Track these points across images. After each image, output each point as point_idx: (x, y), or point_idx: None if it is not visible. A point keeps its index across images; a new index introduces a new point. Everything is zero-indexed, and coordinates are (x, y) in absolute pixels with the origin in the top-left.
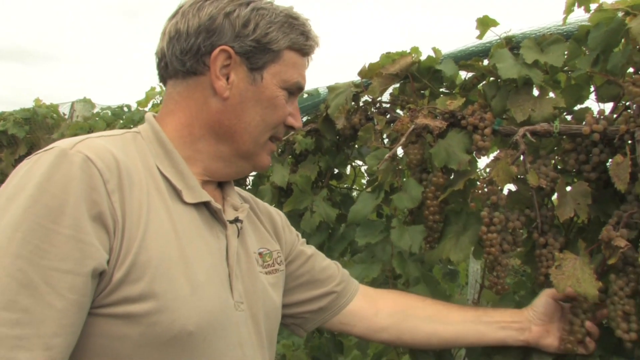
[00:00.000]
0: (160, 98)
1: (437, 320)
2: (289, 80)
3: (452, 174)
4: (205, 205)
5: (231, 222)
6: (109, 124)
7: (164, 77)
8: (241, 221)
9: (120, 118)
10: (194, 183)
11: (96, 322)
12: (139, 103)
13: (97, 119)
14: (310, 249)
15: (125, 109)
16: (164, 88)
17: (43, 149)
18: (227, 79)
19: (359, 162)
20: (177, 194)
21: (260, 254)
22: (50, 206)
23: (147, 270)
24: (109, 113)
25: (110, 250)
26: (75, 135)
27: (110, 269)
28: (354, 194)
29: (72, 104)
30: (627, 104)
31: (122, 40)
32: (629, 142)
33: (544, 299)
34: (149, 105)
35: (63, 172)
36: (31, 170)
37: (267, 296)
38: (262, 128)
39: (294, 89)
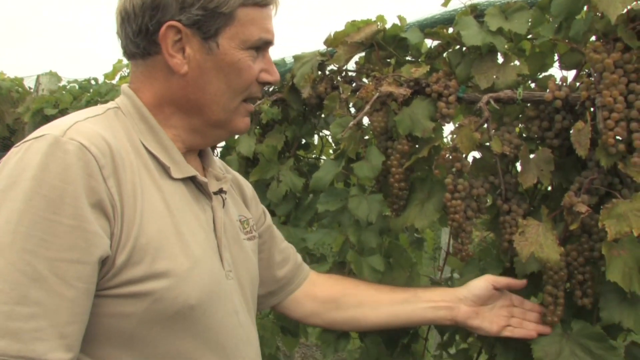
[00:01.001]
0: (128, 70)
1: (368, 305)
2: (249, 39)
3: (417, 141)
4: (191, 179)
5: (215, 193)
6: (76, 97)
7: (126, 57)
8: (225, 192)
9: (87, 91)
10: (179, 158)
11: (101, 303)
12: (106, 76)
13: (63, 92)
14: (274, 229)
15: (93, 82)
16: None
17: (32, 137)
18: (183, 53)
19: (327, 132)
20: (165, 170)
21: (240, 220)
22: (50, 197)
23: (147, 252)
24: (76, 86)
25: (112, 236)
26: (42, 109)
27: (112, 254)
28: (321, 163)
29: (38, 77)
30: (589, 71)
31: (89, 11)
32: (591, 109)
33: (483, 284)
34: (117, 77)
35: (59, 162)
36: (23, 160)
37: (251, 262)
38: (229, 95)
39: (260, 45)
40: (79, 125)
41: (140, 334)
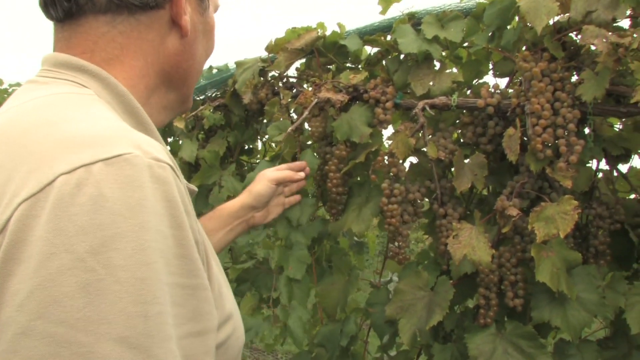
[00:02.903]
0: None
1: None
2: (217, 4)
3: (356, 147)
4: None
5: None
6: None
7: (82, 8)
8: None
9: None
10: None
11: None
12: None
13: (5, 95)
14: None
15: None
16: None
17: (91, 158)
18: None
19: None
20: None
21: None
22: (165, 253)
23: (218, 294)
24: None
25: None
26: None
27: None
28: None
29: None
30: (521, 79)
31: (29, 10)
32: (522, 115)
33: (265, 185)
34: None
35: (160, 197)
36: (107, 198)
37: None
38: (203, 64)
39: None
40: (137, 134)
41: None
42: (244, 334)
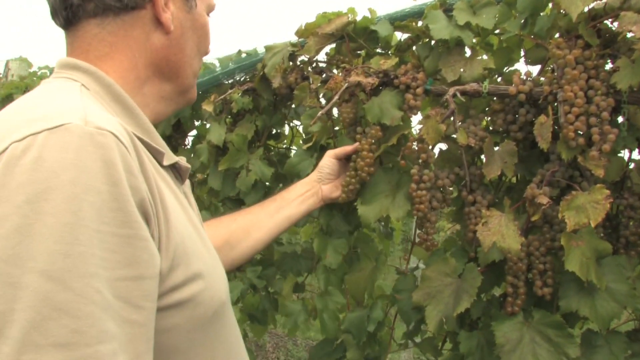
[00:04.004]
0: None
1: (253, 230)
2: (210, 4)
3: (386, 131)
4: (172, 164)
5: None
6: None
7: (77, 15)
8: (190, 173)
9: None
10: (163, 142)
11: None
12: None
13: (34, 78)
14: None
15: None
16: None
17: (40, 127)
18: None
19: (297, 122)
20: (156, 157)
21: None
22: (98, 205)
23: (182, 253)
24: (47, 72)
25: (155, 240)
26: (11, 94)
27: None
28: (292, 153)
29: (7, 62)
30: (553, 66)
31: None
32: (554, 103)
33: (327, 160)
34: None
35: (96, 158)
36: (45, 159)
37: None
38: (198, 58)
39: (211, 12)
40: (92, 109)
41: (183, 347)
42: (223, 294)
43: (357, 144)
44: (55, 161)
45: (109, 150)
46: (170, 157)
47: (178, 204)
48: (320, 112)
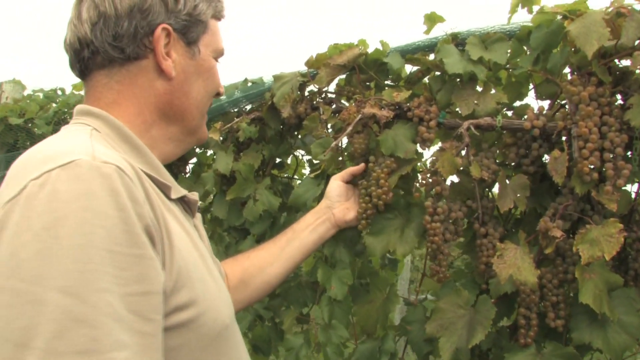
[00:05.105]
0: None
1: (266, 266)
2: (217, 48)
3: (398, 163)
4: (180, 197)
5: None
6: (42, 107)
7: (88, 68)
8: (199, 208)
9: (54, 101)
10: (170, 177)
11: None
12: (75, 87)
13: (28, 101)
14: None
15: (59, 92)
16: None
17: (52, 165)
18: (169, 57)
19: (301, 152)
20: (163, 190)
21: None
22: (108, 227)
23: (186, 276)
24: (41, 96)
25: (160, 261)
26: (5, 117)
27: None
28: (295, 183)
29: (1, 84)
30: (563, 102)
31: (55, 18)
32: (564, 138)
33: (334, 184)
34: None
35: (104, 187)
36: (58, 191)
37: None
38: (205, 100)
39: (219, 56)
40: (99, 148)
41: None
42: (227, 317)
43: (362, 164)
44: (68, 192)
45: (114, 180)
46: (178, 191)
47: (184, 232)
48: (334, 143)
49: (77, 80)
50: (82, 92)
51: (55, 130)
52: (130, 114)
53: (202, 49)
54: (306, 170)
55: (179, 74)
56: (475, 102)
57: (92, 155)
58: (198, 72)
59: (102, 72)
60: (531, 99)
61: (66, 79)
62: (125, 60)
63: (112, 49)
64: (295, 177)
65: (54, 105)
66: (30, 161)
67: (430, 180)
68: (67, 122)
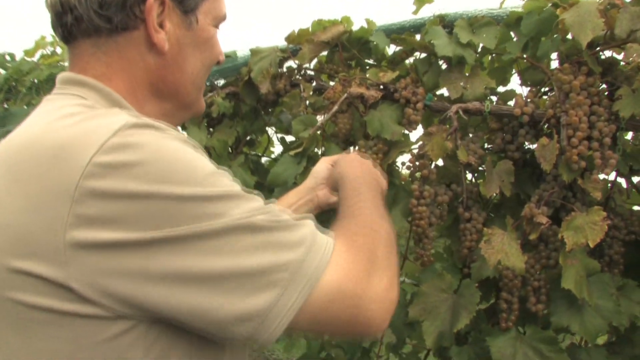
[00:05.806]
0: (52, 49)
1: None
2: (219, 15)
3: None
4: None
5: None
6: None
7: (72, 34)
8: None
9: (4, 68)
10: None
11: None
12: (27, 52)
13: None
14: None
15: (8, 58)
16: (61, 44)
17: (124, 127)
18: (162, 28)
19: (272, 129)
20: None
21: None
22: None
23: None
24: (7, 57)
25: None
26: None
27: None
28: (265, 160)
29: None
30: (547, 89)
31: None
32: (554, 125)
33: (322, 165)
34: (37, 55)
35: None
36: (165, 153)
37: None
38: (203, 73)
39: (220, 23)
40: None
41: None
42: None
43: (356, 150)
44: (170, 153)
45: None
46: None
47: None
48: (319, 122)
49: (29, 46)
50: (34, 59)
51: (6, 99)
52: (121, 90)
53: (201, 17)
54: (275, 149)
55: (173, 47)
56: (463, 86)
57: (133, 118)
58: (195, 44)
59: (88, 40)
60: (514, 85)
61: (16, 44)
62: (113, 31)
63: (97, 17)
64: (265, 154)
65: (2, 72)
66: (50, 148)
67: (417, 163)
68: (19, 92)
